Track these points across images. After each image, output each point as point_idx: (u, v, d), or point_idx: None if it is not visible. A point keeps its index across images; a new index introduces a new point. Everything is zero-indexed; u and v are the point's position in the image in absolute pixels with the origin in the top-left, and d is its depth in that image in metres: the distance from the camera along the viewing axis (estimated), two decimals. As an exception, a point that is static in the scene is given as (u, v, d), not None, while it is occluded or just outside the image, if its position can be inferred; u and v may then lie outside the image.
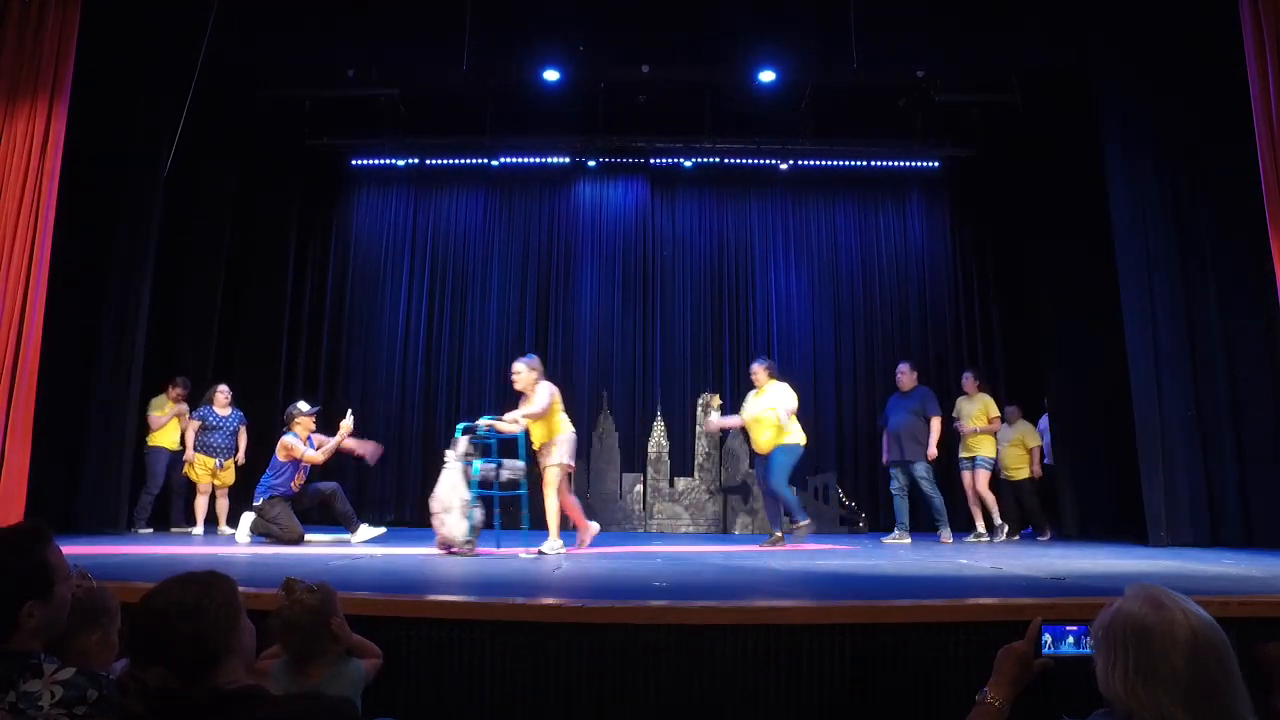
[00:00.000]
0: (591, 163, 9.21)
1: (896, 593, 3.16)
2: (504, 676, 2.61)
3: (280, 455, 5.82)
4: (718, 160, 9.22)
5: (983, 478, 7.00)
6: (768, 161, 9.21)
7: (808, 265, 9.46)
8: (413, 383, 9.15)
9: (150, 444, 6.96)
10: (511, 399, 5.82)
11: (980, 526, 6.93)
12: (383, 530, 6.21)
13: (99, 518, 6.27)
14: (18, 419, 5.37)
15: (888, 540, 6.65)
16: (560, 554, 5.11)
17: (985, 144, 8.88)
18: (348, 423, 5.97)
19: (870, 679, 2.59)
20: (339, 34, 6.98)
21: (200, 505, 6.98)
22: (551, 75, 7.67)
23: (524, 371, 5.53)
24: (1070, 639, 1.80)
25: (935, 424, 6.69)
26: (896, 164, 9.28)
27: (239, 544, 5.75)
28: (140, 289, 6.59)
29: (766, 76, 7.62)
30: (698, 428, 8.74)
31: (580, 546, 5.58)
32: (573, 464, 5.51)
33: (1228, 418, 6.03)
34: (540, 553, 5.09)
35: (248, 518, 5.84)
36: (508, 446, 5.59)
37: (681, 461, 8.79)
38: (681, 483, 8.63)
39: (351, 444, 6.03)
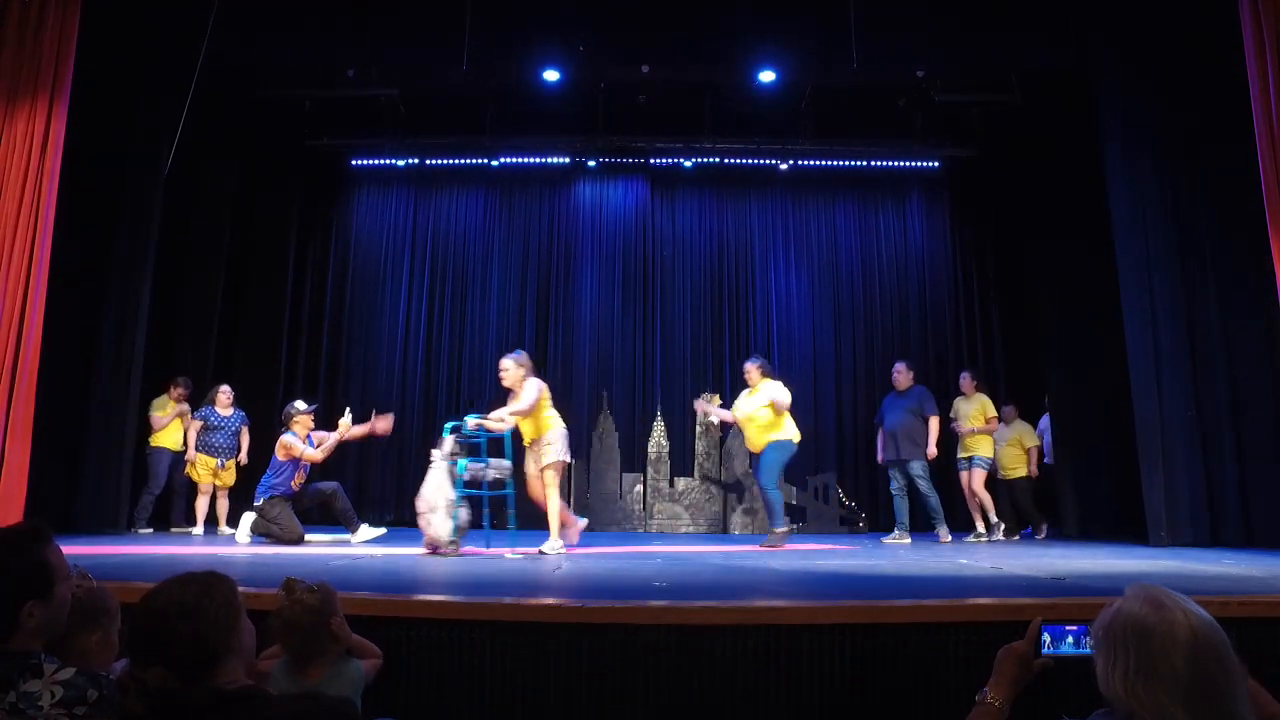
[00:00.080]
0: (591, 163, 9.21)
1: (896, 593, 3.16)
2: (504, 676, 2.61)
3: (280, 454, 5.82)
4: (718, 160, 9.22)
5: (979, 476, 7.01)
6: (768, 161, 9.20)
7: (808, 265, 9.46)
8: (413, 383, 9.16)
9: (153, 444, 6.97)
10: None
11: (980, 527, 6.93)
12: (383, 530, 6.21)
13: (99, 518, 6.27)
14: (18, 418, 5.37)
15: (888, 540, 6.65)
16: (560, 554, 5.11)
17: (985, 144, 8.88)
18: (346, 420, 5.98)
19: (870, 679, 2.59)
20: (339, 34, 6.98)
21: (201, 505, 6.99)
22: (551, 75, 7.67)
23: (512, 368, 5.46)
24: (1070, 639, 1.80)
25: (934, 423, 6.69)
26: (896, 164, 9.27)
27: (239, 544, 5.75)
28: (140, 289, 6.59)
29: (766, 76, 7.62)
30: (698, 428, 8.75)
31: (568, 541, 5.56)
32: (570, 459, 5.49)
33: (1228, 418, 6.03)
34: (541, 552, 5.08)
35: (248, 518, 5.84)
36: (494, 445, 5.57)
37: (681, 461, 8.79)
38: (681, 483, 8.63)
39: (358, 431, 6.02)
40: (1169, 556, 5.05)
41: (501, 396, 5.67)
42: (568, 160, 9.27)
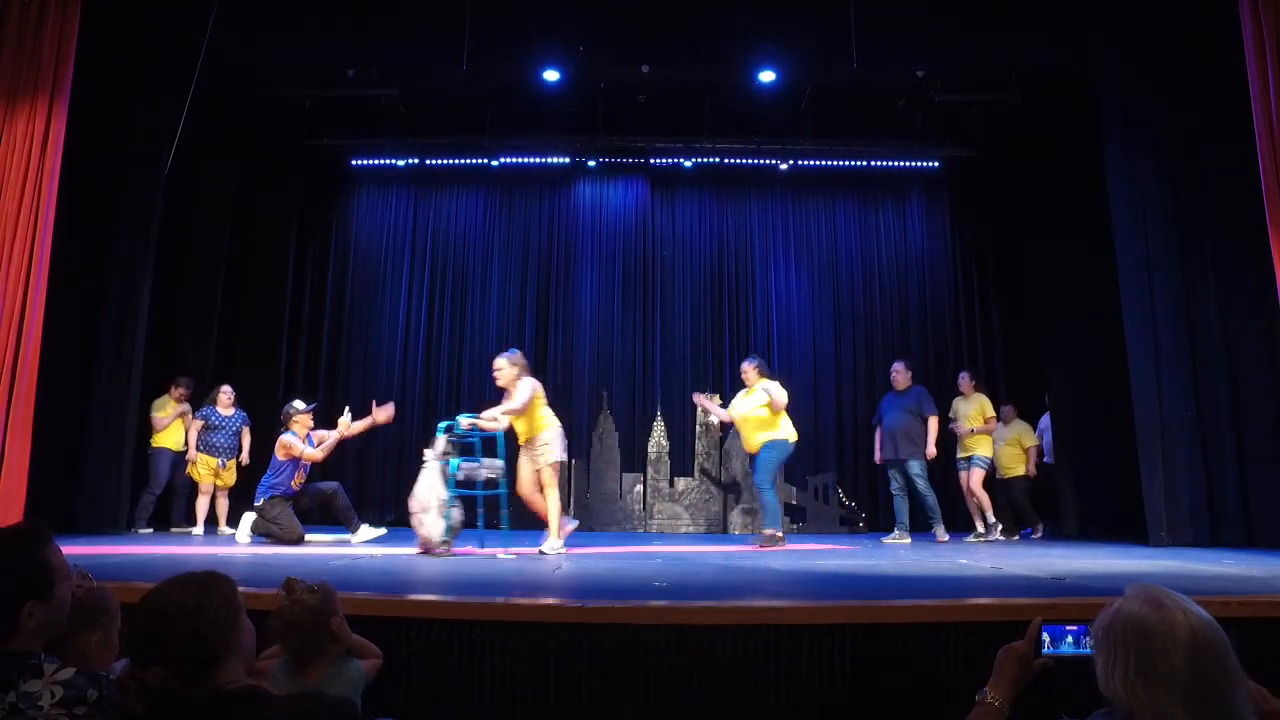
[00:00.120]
0: (591, 163, 9.21)
1: (896, 593, 3.16)
2: (504, 676, 2.61)
3: (279, 454, 5.82)
4: (718, 160, 9.22)
5: (977, 476, 7.01)
6: (768, 161, 9.20)
7: (808, 265, 9.46)
8: (413, 383, 9.16)
9: (154, 445, 6.97)
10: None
11: (980, 527, 6.94)
12: (383, 530, 6.21)
13: (99, 518, 6.27)
14: (18, 418, 5.37)
15: (888, 540, 6.65)
16: (560, 554, 5.11)
17: (985, 144, 8.88)
18: (346, 418, 5.98)
19: (870, 679, 2.59)
20: (339, 34, 6.98)
21: (201, 505, 6.99)
22: (551, 75, 7.67)
23: (505, 367, 5.42)
24: (1070, 639, 1.80)
25: (933, 423, 6.70)
26: (896, 164, 9.28)
27: (239, 544, 5.75)
28: (140, 289, 6.59)
29: (766, 76, 7.62)
30: (698, 428, 8.75)
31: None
32: (566, 458, 5.48)
33: (1228, 418, 6.03)
34: (541, 552, 5.08)
35: (248, 518, 5.84)
36: (487, 445, 5.55)
37: (681, 461, 8.79)
38: (681, 483, 8.63)
39: (358, 427, 6.01)
40: (1169, 556, 5.05)
41: (501, 396, 5.67)
42: (568, 160, 9.27)
